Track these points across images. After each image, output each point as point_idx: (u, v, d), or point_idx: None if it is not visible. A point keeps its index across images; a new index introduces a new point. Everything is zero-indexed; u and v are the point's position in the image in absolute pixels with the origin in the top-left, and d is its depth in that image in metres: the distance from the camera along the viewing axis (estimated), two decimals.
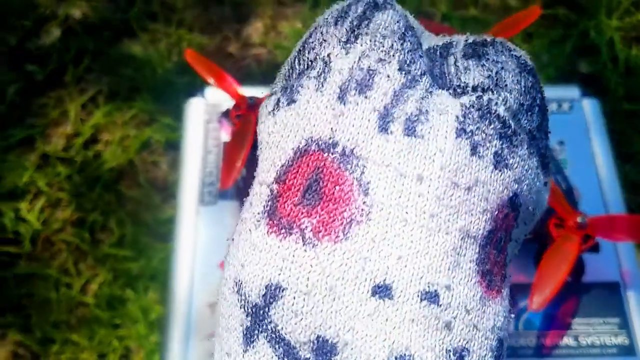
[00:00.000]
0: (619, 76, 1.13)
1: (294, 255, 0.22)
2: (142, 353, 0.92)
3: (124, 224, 1.04)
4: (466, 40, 0.26)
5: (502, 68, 0.25)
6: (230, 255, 0.25)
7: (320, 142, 0.23)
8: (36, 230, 1.03)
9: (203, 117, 0.70)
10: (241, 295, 0.24)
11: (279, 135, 0.25)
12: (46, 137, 1.12)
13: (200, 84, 0.76)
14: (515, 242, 0.27)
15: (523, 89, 0.25)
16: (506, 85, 0.25)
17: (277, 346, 0.22)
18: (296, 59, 0.27)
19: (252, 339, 0.23)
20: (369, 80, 0.24)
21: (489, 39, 0.27)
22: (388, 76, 0.24)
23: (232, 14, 1.21)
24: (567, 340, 0.68)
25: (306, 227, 0.23)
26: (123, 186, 1.08)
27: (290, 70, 0.27)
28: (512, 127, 0.24)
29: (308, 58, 0.26)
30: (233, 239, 0.25)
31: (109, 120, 1.12)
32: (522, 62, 0.26)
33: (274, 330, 0.22)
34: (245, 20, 1.16)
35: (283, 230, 0.23)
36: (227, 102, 0.65)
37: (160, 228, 1.02)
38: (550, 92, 0.85)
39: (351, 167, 0.23)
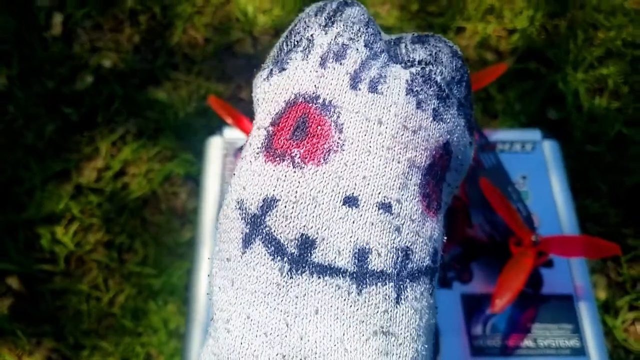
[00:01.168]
0: (583, 122, 1.17)
1: (285, 175, 0.27)
2: (162, 358, 0.96)
3: (147, 246, 1.07)
4: (413, 34, 0.32)
5: (440, 51, 0.30)
6: (233, 184, 0.29)
7: (306, 96, 0.28)
8: (70, 250, 1.07)
9: (221, 152, 0.76)
10: (242, 210, 0.27)
11: (273, 93, 0.29)
12: (80, 170, 1.16)
13: (216, 124, 0.85)
14: (449, 186, 0.31)
15: (454, 67, 0.30)
16: (442, 62, 0.30)
17: (269, 245, 0.26)
18: (284, 42, 0.31)
19: (249, 243, 0.27)
20: (343, 52, 0.29)
21: (429, 33, 0.32)
22: (357, 49, 0.29)
23: (244, 65, 1.27)
24: (528, 342, 0.76)
25: (295, 155, 0.27)
26: (147, 213, 1.11)
27: (279, 51, 0.31)
28: (446, 92, 0.30)
29: (295, 40, 0.31)
30: (234, 173, 0.29)
31: (135, 156, 1.16)
32: (454, 49, 0.31)
33: (268, 233, 0.26)
34: (255, 71, 1.27)
35: (277, 158, 0.27)
36: (243, 140, 0.72)
37: (179, 249, 1.07)
38: (516, 134, 0.96)
39: (329, 113, 0.28)
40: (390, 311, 0.26)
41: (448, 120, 0.29)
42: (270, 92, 0.29)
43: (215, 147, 0.78)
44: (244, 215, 0.27)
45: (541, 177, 0.92)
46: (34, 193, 1.12)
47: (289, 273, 0.25)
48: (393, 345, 0.26)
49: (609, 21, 1.31)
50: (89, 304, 1.02)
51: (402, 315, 0.26)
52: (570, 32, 1.30)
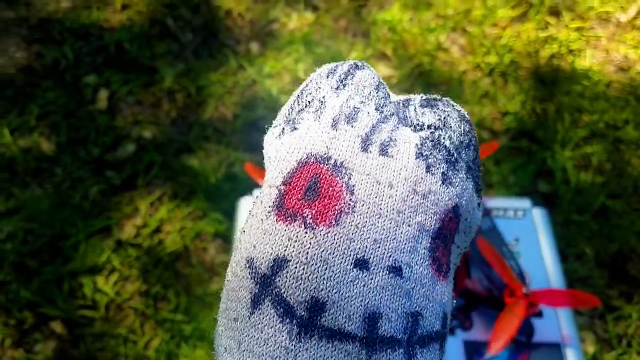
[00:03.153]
0: (570, 194, 1.25)
1: (297, 236, 0.26)
2: None
3: (179, 295, 1.13)
4: (422, 97, 0.31)
5: (448, 115, 0.30)
6: (243, 241, 0.28)
7: (317, 156, 0.27)
8: (110, 298, 1.14)
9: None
10: (252, 269, 0.26)
11: (285, 152, 0.28)
12: (121, 227, 1.24)
13: (242, 188, 0.92)
14: (458, 247, 0.30)
15: (462, 131, 0.30)
16: (451, 126, 0.29)
17: (278, 307, 0.25)
18: (296, 101, 0.31)
19: (258, 303, 0.25)
20: (354, 115, 0.28)
21: (438, 97, 0.31)
22: (368, 113, 0.29)
23: None
24: None
25: (307, 215, 0.26)
26: (179, 266, 1.17)
27: (291, 110, 0.30)
28: (455, 156, 0.29)
29: (307, 100, 0.30)
30: (244, 230, 0.28)
31: (170, 215, 1.24)
32: (462, 114, 0.31)
33: (277, 294, 0.25)
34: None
35: (289, 218, 0.26)
36: None
37: (208, 298, 1.12)
38: (510, 202, 1.08)
39: (341, 175, 0.27)
40: None
41: (457, 184, 0.29)
42: (282, 151, 0.29)
43: (246, 206, 0.83)
44: (253, 274, 0.26)
45: (532, 240, 1.02)
46: (79, 247, 1.21)
47: (298, 336, 0.24)
48: None
49: (592, 106, 1.42)
50: (126, 347, 1.08)
51: None
52: (557, 115, 1.40)
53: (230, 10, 1.64)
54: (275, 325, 0.25)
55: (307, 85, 0.31)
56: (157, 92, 1.46)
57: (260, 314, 0.25)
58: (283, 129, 0.30)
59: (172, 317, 1.12)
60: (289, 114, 0.30)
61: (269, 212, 0.27)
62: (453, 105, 0.31)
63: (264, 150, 0.31)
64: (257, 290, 0.26)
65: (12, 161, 1.35)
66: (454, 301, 0.30)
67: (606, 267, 1.19)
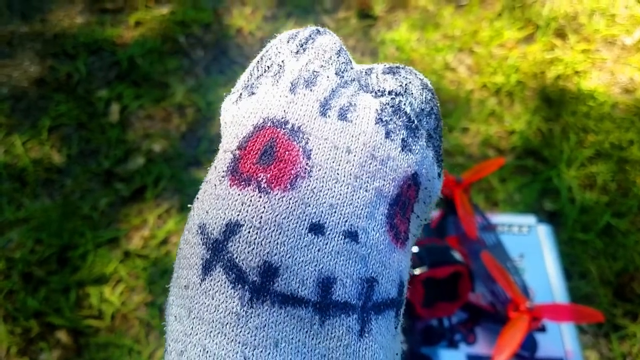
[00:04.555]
0: (575, 213, 1.26)
1: (251, 200, 0.25)
2: None
3: None
4: (384, 65, 0.30)
5: (410, 82, 0.29)
6: (195, 208, 0.27)
7: (274, 120, 0.27)
8: (116, 308, 1.15)
9: None
10: (204, 235, 0.25)
11: (241, 117, 0.28)
12: (129, 238, 1.25)
13: None
14: (418, 217, 0.30)
15: (424, 99, 0.29)
16: (412, 93, 0.29)
17: (230, 272, 0.24)
18: (255, 67, 0.30)
19: (209, 269, 0.25)
20: (313, 79, 0.28)
21: (401, 65, 0.31)
22: (328, 77, 0.28)
23: None
24: None
25: (262, 179, 0.25)
26: None
27: (250, 76, 0.30)
28: (415, 123, 0.28)
29: (265, 65, 0.29)
30: (197, 197, 0.27)
31: (178, 227, 1.25)
32: (424, 82, 0.30)
33: (229, 259, 0.24)
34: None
35: (243, 182, 0.25)
36: None
37: None
38: (515, 218, 1.09)
39: (298, 139, 0.26)
40: (353, 345, 0.24)
41: (417, 152, 0.28)
42: (238, 116, 0.28)
43: None
44: (205, 240, 0.25)
45: (536, 256, 1.03)
46: (86, 257, 1.22)
47: (250, 302, 0.24)
48: None
49: (597, 126, 1.43)
50: (131, 357, 1.09)
51: (366, 349, 0.25)
52: (563, 135, 1.42)
53: (241, 28, 1.67)
54: (227, 291, 0.24)
55: (267, 51, 0.30)
56: (168, 106, 1.49)
57: (212, 280, 0.25)
58: (241, 94, 0.29)
59: None
60: (247, 80, 0.30)
61: (222, 177, 0.26)
62: (415, 74, 0.30)
63: (220, 117, 0.30)
64: (208, 256, 0.25)
65: (23, 172, 1.38)
66: (413, 271, 0.30)
67: (611, 286, 1.19)
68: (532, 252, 1.03)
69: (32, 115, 1.49)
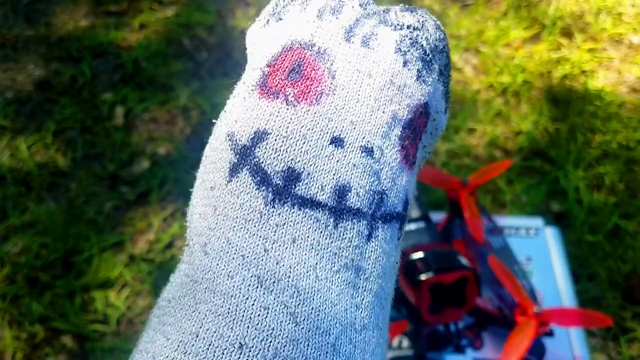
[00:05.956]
0: (583, 214, 1.26)
1: (279, 111, 0.27)
2: None
3: None
4: (401, 5, 0.33)
5: (426, 20, 0.32)
6: (223, 119, 0.29)
7: (302, 42, 0.29)
8: (122, 313, 1.15)
9: None
10: (232, 142, 0.27)
11: (269, 39, 0.30)
12: (134, 242, 1.25)
13: None
14: (424, 148, 0.32)
15: (438, 37, 0.32)
16: (428, 29, 0.31)
17: (256, 175, 0.26)
18: None
19: (236, 172, 0.27)
20: (339, 7, 0.30)
21: (416, 7, 0.33)
22: (352, 7, 0.30)
23: None
24: None
25: (289, 93, 0.27)
26: None
27: (276, 5, 0.32)
28: (430, 57, 0.31)
29: None
30: (225, 110, 0.29)
31: (183, 231, 1.11)
32: (438, 24, 0.32)
33: (256, 164, 0.26)
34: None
35: (272, 96, 0.27)
36: None
37: None
38: (522, 221, 1.08)
39: (324, 60, 0.28)
40: (361, 247, 0.26)
41: (429, 83, 0.30)
42: (267, 38, 0.30)
43: None
44: (233, 146, 0.27)
45: (544, 259, 1.02)
46: (91, 261, 1.22)
47: (272, 202, 0.26)
48: (360, 279, 0.26)
49: (605, 126, 1.43)
50: None
51: (372, 252, 0.27)
52: (570, 135, 1.41)
53: (245, 30, 1.63)
54: (252, 192, 0.26)
55: None
56: (172, 109, 1.49)
57: (238, 181, 0.26)
58: (268, 20, 0.31)
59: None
60: (274, 8, 0.32)
61: (252, 90, 0.28)
62: (430, 15, 0.32)
63: (246, 42, 0.32)
64: (236, 160, 0.27)
65: (28, 176, 1.38)
66: (416, 192, 0.32)
67: (619, 288, 1.18)
68: (540, 255, 1.02)
69: (37, 119, 1.49)
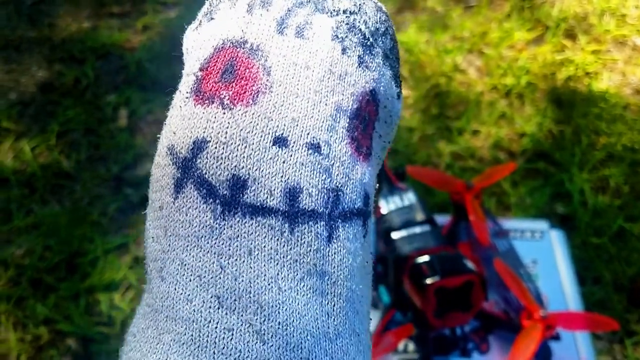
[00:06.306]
0: (588, 217, 1.26)
1: (215, 117, 0.26)
2: None
3: None
4: None
5: (363, 3, 0.30)
6: (163, 133, 0.28)
7: (233, 41, 0.28)
8: (126, 315, 1.15)
9: None
10: (173, 155, 0.26)
11: (202, 41, 0.29)
12: (138, 244, 1.25)
13: None
14: (380, 137, 0.31)
15: (378, 19, 0.30)
16: (366, 12, 0.30)
17: (201, 188, 0.25)
18: None
19: (181, 187, 0.25)
20: None
21: None
22: None
23: None
24: None
25: (224, 96, 0.26)
26: None
27: (210, 5, 0.31)
28: (371, 41, 0.29)
29: None
30: (165, 123, 0.28)
31: None
32: (379, 5, 0.31)
33: (199, 175, 0.25)
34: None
35: (207, 101, 0.26)
36: None
37: None
38: (528, 223, 1.08)
39: (257, 57, 0.27)
40: (323, 249, 0.25)
41: (373, 69, 0.29)
42: (198, 41, 0.29)
43: None
44: (174, 160, 0.26)
45: (549, 262, 1.02)
46: (96, 263, 1.23)
47: (222, 215, 0.25)
48: (327, 284, 0.25)
49: (609, 128, 1.43)
50: None
51: (335, 253, 0.26)
52: (575, 137, 1.41)
53: None
54: (199, 206, 0.25)
55: None
56: None
57: (184, 197, 0.25)
58: (200, 21, 0.30)
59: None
60: (207, 8, 0.31)
61: (187, 98, 0.27)
62: None
63: (182, 47, 0.31)
64: (179, 175, 0.26)
65: (32, 177, 1.38)
66: (377, 184, 0.30)
67: (624, 291, 1.18)
68: (545, 258, 1.02)
69: (41, 121, 1.49)
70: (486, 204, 1.25)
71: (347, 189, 0.27)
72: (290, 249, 0.25)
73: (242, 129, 0.26)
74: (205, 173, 0.25)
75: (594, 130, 1.43)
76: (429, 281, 0.75)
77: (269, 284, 0.24)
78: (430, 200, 1.22)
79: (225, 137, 0.25)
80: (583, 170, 1.36)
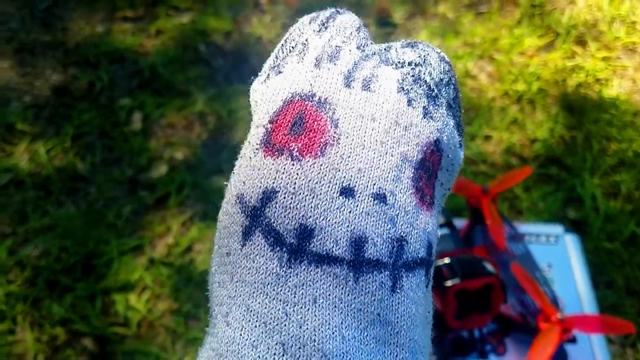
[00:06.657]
0: (600, 222, 1.26)
1: (284, 168, 0.26)
2: None
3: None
4: (402, 41, 0.32)
5: (428, 54, 0.31)
6: (232, 181, 0.28)
7: (302, 94, 0.28)
8: (142, 316, 1.15)
9: None
10: (242, 204, 0.27)
11: (270, 94, 0.29)
12: (153, 246, 1.26)
13: None
14: (442, 185, 0.31)
15: (442, 69, 0.31)
16: (431, 64, 0.30)
17: (269, 236, 0.26)
18: (280, 50, 0.31)
19: (249, 235, 0.26)
20: (336, 53, 0.29)
21: (418, 40, 0.32)
22: (350, 51, 0.30)
23: None
24: None
25: (293, 148, 0.27)
26: None
27: (276, 58, 0.31)
28: (435, 92, 0.30)
29: (290, 46, 0.31)
30: (234, 172, 0.29)
31: (201, 235, 1.26)
32: (442, 55, 0.32)
33: (267, 224, 0.26)
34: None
35: (276, 153, 0.27)
36: None
37: None
38: (542, 228, 1.09)
39: (325, 110, 0.28)
40: (387, 299, 0.25)
41: (438, 119, 0.29)
42: (267, 93, 0.29)
43: None
44: (244, 208, 0.27)
45: (564, 266, 1.02)
46: (111, 265, 1.23)
47: (288, 263, 0.25)
48: (390, 334, 0.25)
49: (620, 134, 1.43)
50: None
51: (398, 303, 0.26)
52: (586, 143, 1.42)
53: (261, 37, 1.68)
54: (267, 254, 0.25)
55: (290, 34, 0.32)
56: (189, 115, 1.50)
57: (252, 244, 0.26)
58: (268, 74, 0.30)
59: (203, 336, 1.12)
60: (274, 62, 0.31)
61: (256, 149, 0.28)
62: (433, 47, 0.32)
63: (250, 99, 0.32)
64: (247, 223, 0.26)
65: (48, 180, 1.39)
66: (438, 233, 0.30)
67: (637, 296, 1.18)
68: (560, 262, 1.02)
69: (55, 124, 1.50)
70: (500, 209, 1.25)
71: (411, 238, 0.27)
72: (355, 297, 0.25)
73: (310, 180, 0.26)
74: (274, 222, 0.26)
75: (605, 136, 1.43)
76: (449, 283, 0.76)
77: (333, 333, 0.24)
78: (445, 204, 1.23)
79: (294, 188, 0.26)
80: (594, 176, 1.36)
